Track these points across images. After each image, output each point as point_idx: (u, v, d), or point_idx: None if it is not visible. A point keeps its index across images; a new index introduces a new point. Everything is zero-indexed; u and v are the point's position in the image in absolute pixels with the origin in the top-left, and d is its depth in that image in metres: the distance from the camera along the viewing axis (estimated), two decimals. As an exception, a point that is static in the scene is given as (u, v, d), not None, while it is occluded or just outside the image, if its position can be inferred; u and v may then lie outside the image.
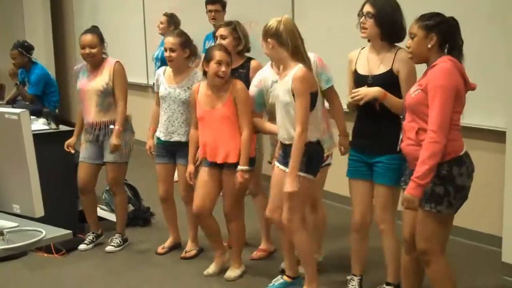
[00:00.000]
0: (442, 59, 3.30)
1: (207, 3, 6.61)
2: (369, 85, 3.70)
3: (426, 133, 3.24)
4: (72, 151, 5.13)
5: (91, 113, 4.99)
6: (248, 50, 4.80)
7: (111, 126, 4.93)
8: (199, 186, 4.48)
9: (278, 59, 3.91)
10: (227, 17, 6.39)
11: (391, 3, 3.70)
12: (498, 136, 4.63)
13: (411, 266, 3.65)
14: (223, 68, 4.26)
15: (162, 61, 6.18)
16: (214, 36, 4.84)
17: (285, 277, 4.31)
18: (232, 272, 4.56)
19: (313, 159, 3.90)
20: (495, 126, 4.71)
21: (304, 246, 4.03)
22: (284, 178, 3.85)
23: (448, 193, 3.29)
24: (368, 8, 3.69)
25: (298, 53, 3.84)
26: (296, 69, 3.78)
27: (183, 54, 4.74)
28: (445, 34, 3.33)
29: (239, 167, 4.26)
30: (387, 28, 3.67)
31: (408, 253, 3.63)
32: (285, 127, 3.88)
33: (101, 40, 5.00)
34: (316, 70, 4.05)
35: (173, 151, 4.85)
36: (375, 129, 3.78)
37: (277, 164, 4.06)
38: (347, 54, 3.96)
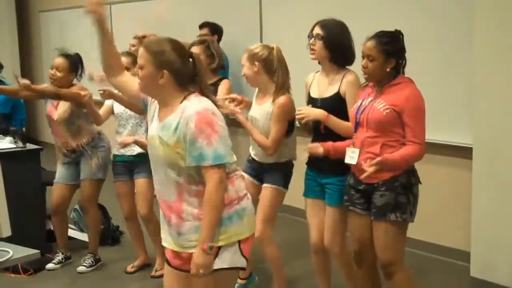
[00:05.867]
0: (403, 79, 3.42)
1: (199, 27, 6.61)
2: (318, 108, 3.72)
3: (390, 148, 3.34)
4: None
5: (62, 139, 4.96)
6: (223, 68, 4.81)
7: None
8: None
9: (257, 81, 4.04)
10: (193, 36, 6.39)
11: (340, 26, 3.74)
12: (464, 152, 4.70)
13: (362, 278, 3.70)
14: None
15: None
16: None
17: (239, 280, 4.42)
18: None
19: (289, 175, 4.14)
20: (461, 142, 4.77)
21: (275, 256, 4.19)
22: (251, 189, 3.97)
23: (409, 201, 3.40)
24: (317, 30, 3.71)
25: (285, 86, 3.99)
26: (281, 97, 3.91)
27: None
28: (402, 57, 3.43)
29: None
30: (336, 50, 3.69)
31: (359, 267, 3.69)
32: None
33: (72, 68, 4.95)
34: None
35: (131, 167, 4.85)
36: None
37: (245, 175, 4.14)
38: (315, 70, 3.97)
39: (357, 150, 3.44)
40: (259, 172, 4.18)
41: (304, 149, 3.74)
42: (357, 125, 3.48)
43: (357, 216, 3.55)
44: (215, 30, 6.58)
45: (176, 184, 2.75)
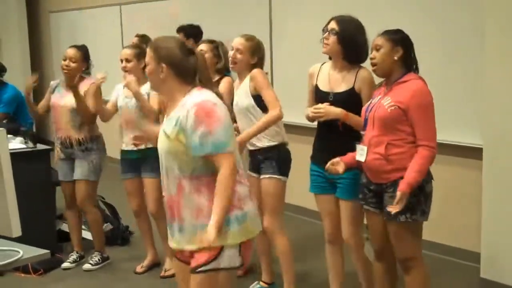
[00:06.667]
0: (412, 76, 3.40)
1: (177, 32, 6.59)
2: (330, 102, 3.71)
3: (396, 147, 3.34)
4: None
5: (63, 129, 5.02)
6: (228, 70, 4.82)
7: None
8: None
9: (245, 69, 4.13)
10: (205, 35, 6.39)
11: (356, 24, 3.72)
12: (474, 152, 4.68)
13: (382, 272, 3.70)
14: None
15: None
16: None
17: (261, 283, 4.42)
18: None
19: (286, 161, 4.14)
20: (471, 143, 4.76)
21: (285, 249, 4.14)
22: (256, 184, 4.07)
23: (420, 202, 3.37)
24: (333, 25, 3.70)
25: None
26: (253, 70, 4.04)
27: (138, 64, 4.76)
28: (408, 48, 3.43)
29: None
30: (349, 47, 3.67)
31: (378, 260, 3.69)
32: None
33: (84, 58, 5.02)
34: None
35: (138, 164, 4.85)
36: (337, 145, 3.73)
37: (249, 172, 4.20)
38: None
39: (365, 148, 3.45)
40: (256, 163, 4.19)
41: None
42: (366, 123, 3.49)
43: (372, 214, 3.57)
44: (189, 33, 6.51)
45: (177, 178, 2.79)
